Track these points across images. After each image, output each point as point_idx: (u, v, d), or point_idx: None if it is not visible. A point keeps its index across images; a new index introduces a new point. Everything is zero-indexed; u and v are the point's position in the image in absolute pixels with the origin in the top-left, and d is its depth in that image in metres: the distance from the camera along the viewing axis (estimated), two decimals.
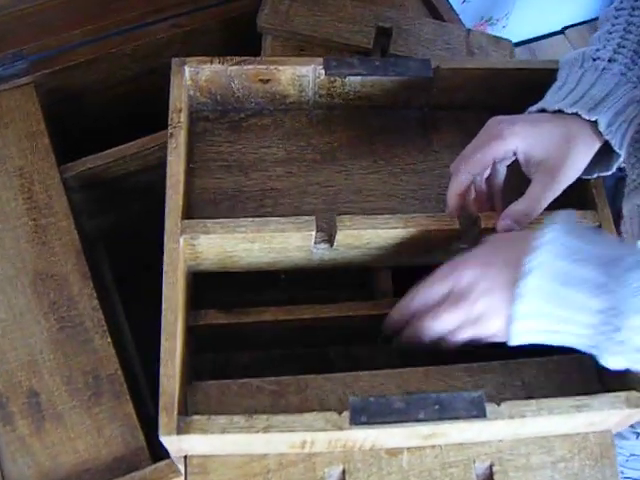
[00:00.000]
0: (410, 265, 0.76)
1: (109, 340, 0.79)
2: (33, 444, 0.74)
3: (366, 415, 0.60)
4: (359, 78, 0.77)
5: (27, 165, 0.87)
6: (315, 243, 0.69)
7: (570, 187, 0.75)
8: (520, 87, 0.79)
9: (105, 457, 0.74)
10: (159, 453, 0.73)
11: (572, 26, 1.69)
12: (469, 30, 0.97)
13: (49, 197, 0.86)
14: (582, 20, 1.68)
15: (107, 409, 0.76)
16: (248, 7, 1.01)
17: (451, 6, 1.05)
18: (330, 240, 0.69)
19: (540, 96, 0.72)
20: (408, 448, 0.66)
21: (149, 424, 0.72)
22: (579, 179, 0.68)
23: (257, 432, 0.59)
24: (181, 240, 0.66)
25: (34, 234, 0.84)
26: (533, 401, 0.61)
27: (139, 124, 0.94)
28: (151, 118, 0.84)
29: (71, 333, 0.79)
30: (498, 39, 0.97)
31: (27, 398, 0.76)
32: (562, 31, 1.77)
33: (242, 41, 0.97)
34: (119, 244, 1.03)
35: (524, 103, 0.73)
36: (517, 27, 1.06)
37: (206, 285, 0.79)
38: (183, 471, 0.65)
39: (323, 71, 0.76)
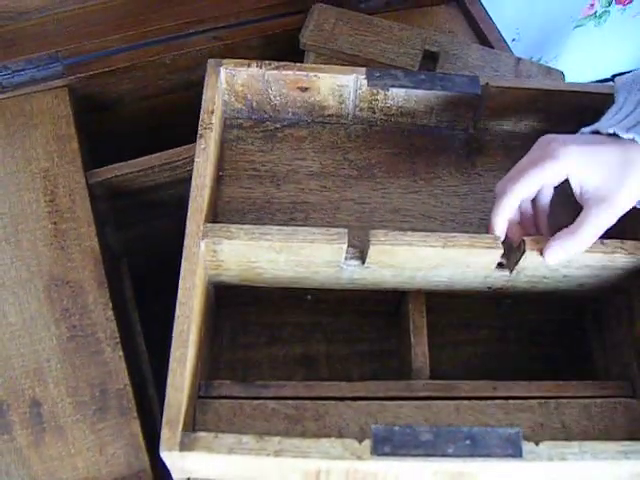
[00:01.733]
0: (446, 291, 0.71)
1: (121, 353, 0.75)
2: (30, 457, 0.70)
3: (390, 446, 0.54)
4: (403, 92, 0.73)
5: (53, 168, 0.85)
6: (346, 259, 0.65)
7: (624, 216, 0.70)
8: (573, 111, 0.75)
9: (105, 477, 0.70)
10: (164, 476, 0.68)
11: (622, 74, 1.65)
12: (519, 59, 0.93)
13: (72, 202, 0.83)
14: (632, 69, 1.65)
15: (112, 426, 0.72)
16: (290, 24, 0.99)
17: (501, 35, 1.01)
18: (362, 257, 0.64)
19: (593, 122, 0.67)
20: None
21: (157, 446, 0.67)
22: (634, 207, 0.63)
23: (268, 455, 0.53)
24: (202, 244, 0.62)
25: (53, 238, 0.81)
26: (576, 443, 0.55)
27: (172, 139, 0.91)
28: (185, 134, 0.81)
29: (81, 343, 0.75)
30: (549, 69, 0.92)
31: (29, 407, 0.72)
32: (611, 78, 1.73)
33: (283, 59, 0.94)
34: (143, 261, 0.99)
35: (576, 129, 0.68)
36: (566, 71, 1.04)
37: (225, 302, 0.75)
38: None
39: (365, 82, 0.72)
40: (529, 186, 0.63)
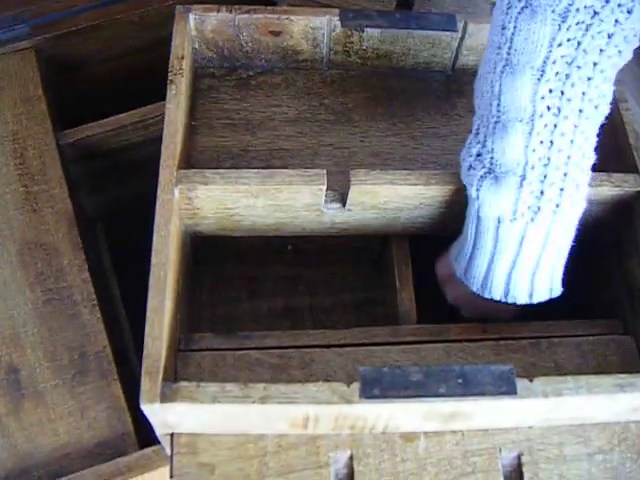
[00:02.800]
0: (429, 234, 0.69)
1: (99, 315, 0.73)
2: (9, 424, 0.68)
3: (379, 388, 0.52)
4: (378, 32, 0.70)
5: (21, 130, 0.82)
6: (326, 202, 0.62)
7: (610, 151, 0.69)
8: None
9: (88, 441, 0.68)
10: (148, 440, 0.66)
11: None
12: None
13: (43, 164, 0.81)
14: None
15: (92, 389, 0.70)
16: None
17: None
18: (343, 199, 0.62)
19: None
20: (425, 433, 0.58)
21: (139, 408, 0.65)
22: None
23: (253, 402, 0.51)
24: (176, 191, 0.59)
25: (24, 201, 0.78)
26: (570, 378, 0.53)
27: (145, 100, 0.88)
28: (157, 93, 0.78)
29: (58, 306, 0.73)
30: None
31: (6, 374, 0.70)
32: None
33: None
34: (119, 226, 0.96)
35: None
36: None
37: (204, 257, 0.73)
38: (169, 452, 0.58)
39: (339, 23, 0.70)
40: None
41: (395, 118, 0.73)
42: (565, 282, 0.62)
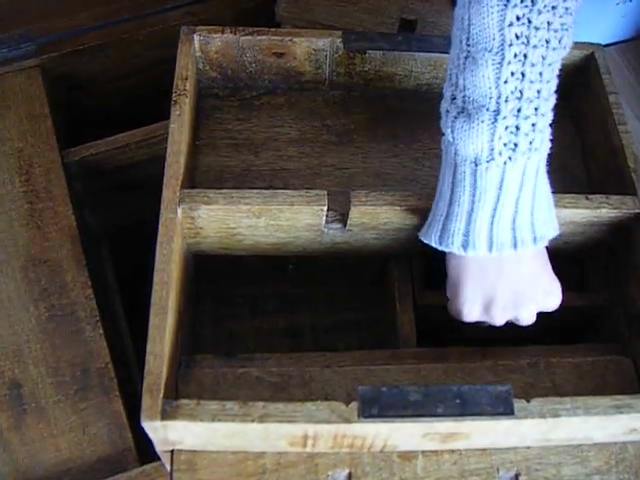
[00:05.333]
0: (429, 255, 0.69)
1: (101, 332, 0.74)
2: (11, 439, 0.69)
3: (377, 407, 0.52)
4: (380, 54, 0.71)
5: (27, 147, 0.84)
6: (327, 222, 0.63)
7: (609, 173, 0.69)
8: None
9: (89, 457, 0.69)
10: (149, 456, 0.67)
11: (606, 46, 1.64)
12: None
13: (48, 181, 0.82)
14: (613, 41, 1.64)
15: (94, 405, 0.71)
16: None
17: None
18: (343, 219, 0.63)
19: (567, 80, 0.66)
20: (423, 452, 0.58)
21: (140, 424, 0.66)
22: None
23: (252, 421, 0.52)
24: (179, 210, 0.60)
25: (29, 218, 0.79)
26: (567, 399, 0.54)
27: (148, 118, 0.89)
28: (161, 112, 0.79)
29: (61, 322, 0.74)
30: None
31: (8, 389, 0.71)
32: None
33: None
34: (122, 243, 0.97)
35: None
36: None
37: (206, 276, 0.73)
38: (169, 468, 0.58)
39: (341, 45, 0.71)
40: None
41: (397, 139, 0.73)
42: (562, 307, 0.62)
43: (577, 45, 0.74)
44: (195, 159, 0.70)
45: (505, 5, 0.52)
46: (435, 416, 0.52)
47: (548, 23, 0.53)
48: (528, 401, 0.53)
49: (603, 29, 1.25)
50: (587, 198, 0.63)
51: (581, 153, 0.75)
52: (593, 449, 0.59)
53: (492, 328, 0.64)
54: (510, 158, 0.55)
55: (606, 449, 0.59)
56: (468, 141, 0.55)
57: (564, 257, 0.72)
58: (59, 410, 0.70)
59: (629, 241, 0.66)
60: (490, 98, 0.54)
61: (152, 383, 0.53)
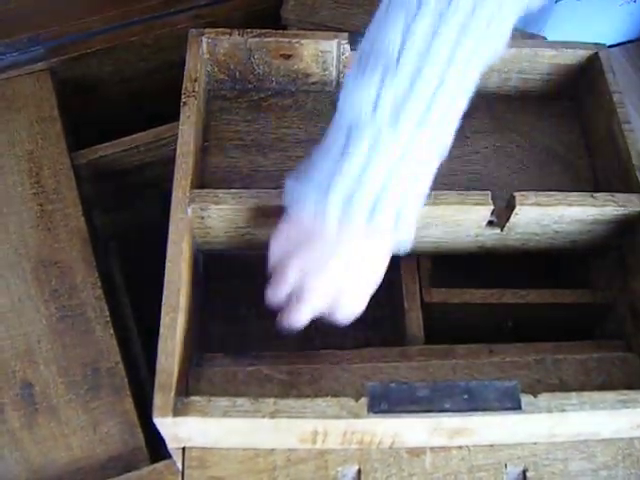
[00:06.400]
0: (436, 253, 0.70)
1: (111, 332, 0.74)
2: (24, 438, 0.69)
3: (386, 403, 0.53)
4: None
5: (37, 150, 0.84)
6: None
7: (614, 171, 0.70)
8: (557, 71, 0.75)
9: (100, 455, 0.69)
10: (160, 454, 0.67)
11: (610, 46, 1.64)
12: None
13: (57, 183, 0.82)
14: (615, 42, 1.65)
15: (105, 404, 0.71)
16: (271, 1, 0.98)
17: None
18: None
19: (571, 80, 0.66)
20: (432, 448, 0.59)
21: (150, 423, 0.66)
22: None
23: (263, 417, 0.53)
24: (189, 210, 0.61)
25: (39, 219, 0.80)
26: (574, 394, 0.54)
27: (157, 121, 0.90)
28: (170, 115, 0.80)
29: (71, 323, 0.74)
30: (532, 34, 0.92)
31: (20, 389, 0.71)
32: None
33: None
34: (132, 244, 0.98)
35: (557, 88, 0.70)
36: None
37: (216, 276, 0.74)
38: (180, 465, 0.59)
39: (348, 47, 0.72)
40: None
41: None
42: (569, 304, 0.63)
43: (581, 45, 0.75)
44: (204, 160, 0.71)
45: None
46: (443, 411, 0.53)
47: None
48: (535, 396, 0.54)
49: (607, 30, 1.26)
50: (593, 196, 0.64)
51: (586, 152, 0.75)
52: (600, 444, 0.60)
53: None
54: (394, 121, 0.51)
55: (613, 444, 0.60)
56: (355, 92, 0.52)
57: (570, 255, 0.73)
58: (70, 409, 0.70)
59: (635, 238, 0.66)
60: (393, 50, 0.51)
61: (164, 380, 0.53)
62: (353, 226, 0.54)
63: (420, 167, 0.54)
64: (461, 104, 0.53)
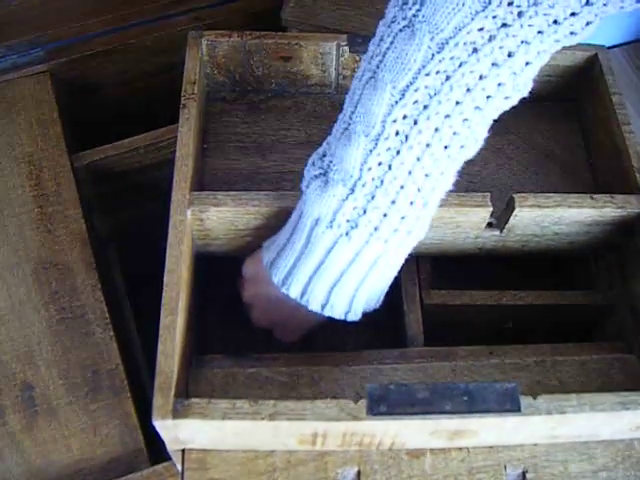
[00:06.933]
0: (437, 255, 0.70)
1: (111, 334, 0.74)
2: (24, 440, 0.69)
3: (385, 405, 0.53)
4: None
5: (37, 152, 0.84)
6: None
7: (614, 173, 0.70)
8: (559, 72, 0.76)
9: (100, 457, 0.69)
10: (160, 456, 0.68)
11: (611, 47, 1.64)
12: None
13: (57, 185, 0.82)
14: (620, 42, 1.65)
15: (105, 406, 0.71)
16: (271, 4, 0.98)
17: None
18: None
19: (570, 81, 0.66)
20: (431, 450, 0.59)
21: (150, 425, 0.66)
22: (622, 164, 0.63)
23: (262, 419, 0.52)
24: (188, 212, 0.61)
25: (39, 221, 0.80)
26: (574, 395, 0.54)
27: (156, 122, 0.90)
28: (169, 117, 0.80)
29: (72, 325, 0.75)
30: None
31: (20, 391, 0.71)
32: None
33: None
34: (131, 246, 0.98)
35: (557, 90, 0.70)
36: None
37: (216, 278, 0.74)
38: (180, 467, 0.59)
39: (347, 48, 0.72)
40: None
41: None
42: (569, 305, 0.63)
43: (581, 47, 0.75)
44: (203, 162, 0.71)
45: (396, 102, 0.52)
46: (443, 413, 0.53)
47: (435, 130, 0.52)
48: (535, 398, 0.54)
49: (607, 31, 1.25)
50: (592, 198, 0.64)
51: (586, 153, 0.75)
52: (600, 446, 0.60)
53: None
54: (347, 234, 0.56)
55: (613, 446, 0.60)
56: (317, 203, 0.56)
57: (570, 256, 0.73)
58: (71, 411, 0.70)
59: (634, 240, 0.66)
60: (351, 177, 0.54)
61: (163, 382, 0.53)
62: (309, 308, 0.62)
63: (380, 267, 0.59)
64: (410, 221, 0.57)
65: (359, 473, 0.58)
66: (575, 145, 0.76)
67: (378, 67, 0.53)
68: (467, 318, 0.73)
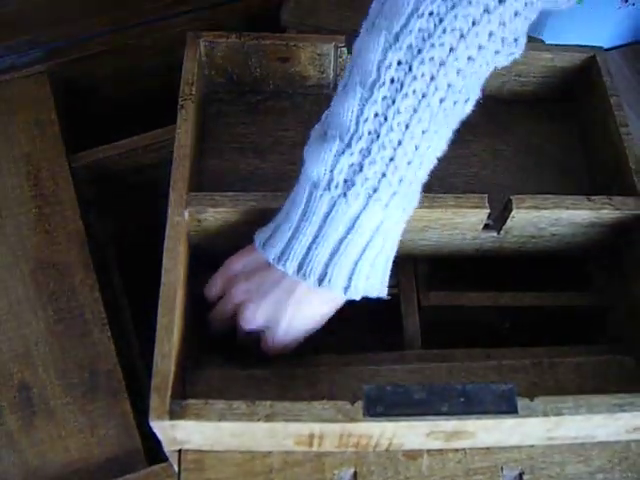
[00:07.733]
0: (433, 257, 0.70)
1: (109, 334, 0.74)
2: (21, 440, 0.69)
3: (382, 406, 0.53)
4: None
5: (35, 152, 0.84)
6: None
7: (611, 175, 0.70)
8: (555, 75, 0.76)
9: (97, 458, 0.69)
10: (157, 457, 0.67)
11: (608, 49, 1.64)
12: None
13: (56, 185, 0.82)
14: (615, 45, 1.65)
15: (102, 407, 0.71)
16: (269, 4, 0.98)
17: None
18: None
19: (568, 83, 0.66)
20: (428, 451, 0.59)
21: (148, 425, 0.66)
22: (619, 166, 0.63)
23: (259, 420, 0.53)
24: (186, 213, 0.61)
25: (37, 222, 0.80)
26: (570, 397, 0.54)
27: (155, 123, 0.90)
28: (168, 117, 0.80)
29: (69, 325, 0.74)
30: (530, 37, 0.92)
31: (18, 392, 0.71)
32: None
33: None
34: (129, 246, 0.98)
35: (555, 91, 0.71)
36: None
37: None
38: (176, 468, 0.59)
39: (345, 50, 0.72)
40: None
41: None
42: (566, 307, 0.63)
43: (578, 48, 0.75)
44: (201, 163, 0.71)
45: (391, 45, 0.51)
46: (439, 414, 0.53)
47: (431, 78, 0.51)
48: (531, 400, 0.54)
49: (605, 33, 1.25)
50: (589, 199, 0.64)
51: (583, 155, 0.76)
52: (596, 448, 0.60)
53: None
54: (345, 194, 0.54)
55: (609, 448, 0.60)
56: (314, 162, 0.55)
57: (567, 257, 0.73)
58: (68, 412, 0.70)
59: (631, 241, 0.67)
60: (347, 130, 0.53)
61: (160, 383, 0.53)
62: (306, 282, 0.58)
63: (380, 235, 0.57)
64: (409, 178, 0.55)
65: (356, 474, 0.58)
66: (573, 146, 0.76)
67: (377, 17, 0.52)
68: (464, 319, 0.73)
